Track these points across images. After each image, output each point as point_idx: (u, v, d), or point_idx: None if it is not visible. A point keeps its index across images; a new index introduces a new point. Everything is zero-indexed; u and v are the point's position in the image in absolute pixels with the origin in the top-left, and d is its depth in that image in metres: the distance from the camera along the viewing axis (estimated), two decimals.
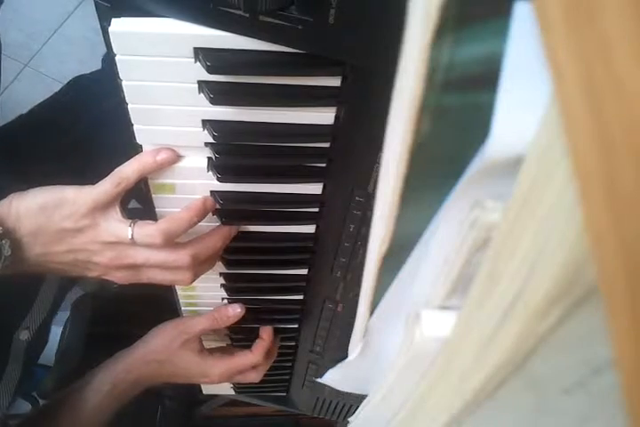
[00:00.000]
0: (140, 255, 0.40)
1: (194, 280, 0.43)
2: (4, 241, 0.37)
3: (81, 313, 0.79)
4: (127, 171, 0.37)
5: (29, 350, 0.62)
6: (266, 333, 0.55)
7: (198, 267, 0.42)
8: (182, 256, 0.40)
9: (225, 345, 0.59)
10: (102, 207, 0.38)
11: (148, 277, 0.42)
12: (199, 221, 0.40)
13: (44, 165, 0.61)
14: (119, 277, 0.42)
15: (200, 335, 0.54)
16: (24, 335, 0.61)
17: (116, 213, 0.39)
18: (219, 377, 0.55)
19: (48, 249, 0.39)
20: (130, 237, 0.38)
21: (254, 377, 0.57)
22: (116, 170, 0.38)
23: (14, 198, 0.38)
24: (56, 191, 0.38)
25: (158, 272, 0.42)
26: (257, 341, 0.55)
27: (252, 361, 0.55)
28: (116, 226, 0.39)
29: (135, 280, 0.42)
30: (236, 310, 0.50)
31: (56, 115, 0.69)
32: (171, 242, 0.40)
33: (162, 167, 0.38)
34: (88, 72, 0.72)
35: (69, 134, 0.65)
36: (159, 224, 0.39)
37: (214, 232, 0.42)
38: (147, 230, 0.38)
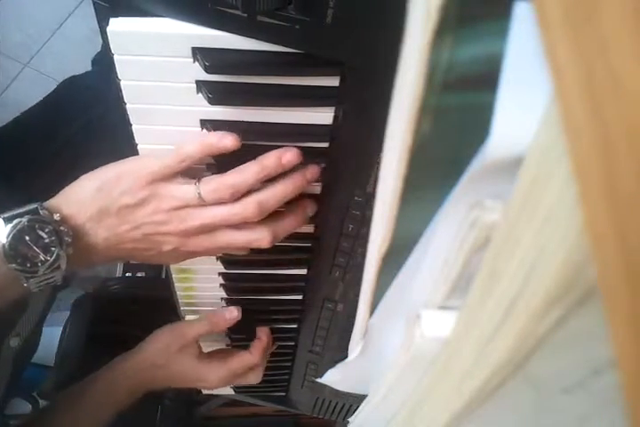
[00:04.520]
0: (207, 214, 0.38)
1: (275, 240, 0.40)
2: (62, 227, 0.36)
3: (81, 313, 0.79)
4: (191, 151, 0.36)
5: (18, 356, 0.61)
6: (264, 333, 0.55)
7: (274, 224, 0.40)
8: (247, 205, 0.37)
9: (225, 346, 0.59)
10: (162, 179, 0.37)
11: (227, 242, 0.40)
12: (268, 177, 0.37)
13: (35, 167, 0.61)
14: (196, 246, 0.40)
15: (197, 340, 0.53)
16: (14, 342, 0.60)
17: (177, 178, 0.37)
18: (218, 381, 0.54)
19: (114, 231, 0.38)
20: (197, 195, 0.37)
21: (253, 379, 0.56)
22: (178, 147, 0.36)
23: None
24: (111, 169, 0.37)
25: (233, 233, 0.39)
26: (255, 341, 0.55)
27: (250, 362, 0.54)
28: (181, 189, 0.37)
29: (215, 247, 0.40)
30: (233, 314, 0.50)
31: (48, 117, 0.69)
32: (239, 197, 0.37)
33: (220, 152, 0.35)
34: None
35: (61, 136, 0.65)
36: (225, 178, 0.36)
37: (282, 180, 0.38)
38: (213, 186, 0.36)
